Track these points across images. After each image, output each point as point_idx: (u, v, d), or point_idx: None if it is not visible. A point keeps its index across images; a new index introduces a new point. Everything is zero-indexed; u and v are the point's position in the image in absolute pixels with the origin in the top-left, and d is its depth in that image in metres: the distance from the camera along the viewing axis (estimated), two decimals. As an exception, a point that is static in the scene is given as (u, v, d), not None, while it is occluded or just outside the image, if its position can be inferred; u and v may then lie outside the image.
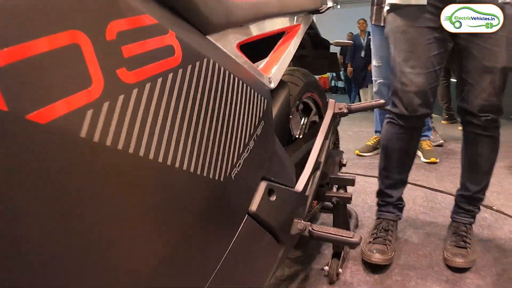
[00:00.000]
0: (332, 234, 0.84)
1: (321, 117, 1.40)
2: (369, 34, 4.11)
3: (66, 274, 0.36)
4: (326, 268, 1.29)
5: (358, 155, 2.91)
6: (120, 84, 0.38)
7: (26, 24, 0.30)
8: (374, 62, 2.67)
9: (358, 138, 3.34)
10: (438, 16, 1.24)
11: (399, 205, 1.51)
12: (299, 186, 0.88)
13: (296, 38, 1.01)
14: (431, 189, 2.15)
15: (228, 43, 0.66)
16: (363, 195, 2.02)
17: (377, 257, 1.32)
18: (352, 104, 1.21)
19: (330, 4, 1.26)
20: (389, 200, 1.50)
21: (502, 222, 1.71)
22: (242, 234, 0.63)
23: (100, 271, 0.40)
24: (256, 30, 0.80)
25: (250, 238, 0.67)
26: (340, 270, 1.30)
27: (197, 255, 0.55)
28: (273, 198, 0.73)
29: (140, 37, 0.41)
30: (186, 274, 0.52)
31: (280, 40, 0.96)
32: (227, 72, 0.58)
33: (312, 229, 0.84)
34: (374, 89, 2.72)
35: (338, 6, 12.01)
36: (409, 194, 2.01)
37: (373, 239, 1.41)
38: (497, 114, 1.31)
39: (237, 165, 0.61)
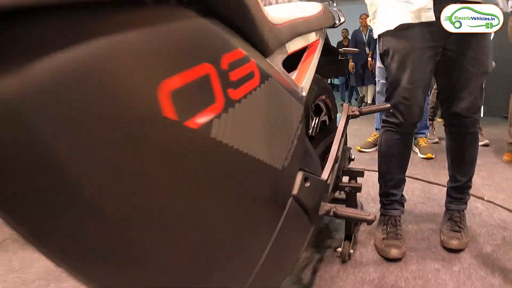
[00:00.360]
0: (352, 213, 1.03)
1: (330, 118, 1.59)
2: (371, 30, 4.24)
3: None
4: (339, 249, 1.47)
5: (359, 151, 3.10)
6: (230, 100, 0.56)
7: (183, 58, 0.48)
8: (378, 64, 2.86)
9: (358, 135, 3.53)
10: (437, 32, 1.33)
11: (402, 201, 1.68)
12: (324, 175, 1.07)
13: (317, 51, 1.19)
14: (427, 182, 2.35)
15: (277, 62, 0.84)
16: (366, 187, 2.20)
17: (394, 253, 1.47)
18: (363, 108, 1.39)
19: (342, 19, 1.44)
20: (393, 199, 1.64)
21: (492, 211, 1.91)
22: (288, 212, 0.82)
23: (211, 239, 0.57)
24: (291, 47, 0.98)
25: (293, 215, 0.85)
26: (351, 251, 1.48)
27: (262, 226, 0.73)
28: (307, 184, 0.91)
29: (238, 65, 0.59)
30: (254, 243, 0.70)
31: (305, 54, 1.14)
32: (280, 86, 0.77)
33: (336, 210, 1.02)
34: (378, 89, 2.91)
35: (334, 4, 12.19)
36: (408, 187, 2.19)
37: (386, 235, 1.55)
38: (478, 113, 1.49)
39: (287, 158, 0.79)
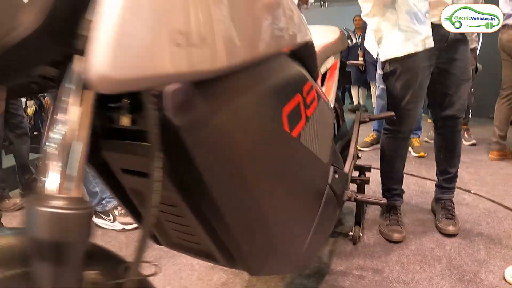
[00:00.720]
0: (369, 198, 1.32)
1: (338, 121, 1.87)
2: (364, 31, 4.44)
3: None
4: (351, 233, 1.75)
5: (358, 149, 3.39)
6: (307, 117, 0.83)
7: (290, 90, 0.75)
8: (379, 70, 3.16)
9: (356, 135, 3.81)
10: (433, 53, 1.56)
11: (401, 193, 1.97)
12: (346, 169, 1.35)
13: (337, 70, 1.48)
14: (421, 178, 2.64)
15: (318, 83, 1.11)
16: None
17: (396, 236, 1.77)
18: (372, 115, 1.68)
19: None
20: (394, 192, 1.92)
21: (477, 202, 2.20)
22: (326, 196, 1.09)
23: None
24: (322, 70, 1.26)
25: (329, 199, 1.13)
26: (361, 234, 1.76)
27: (314, 204, 1.00)
28: (336, 176, 1.19)
29: (309, 92, 0.86)
30: (310, 216, 0.98)
31: (328, 73, 1.42)
32: (324, 103, 1.04)
33: (356, 196, 1.30)
34: (378, 93, 3.22)
35: (326, 5, 12.53)
36: (404, 182, 2.49)
37: (389, 222, 1.84)
38: (463, 114, 1.80)
39: (327, 155, 1.07)
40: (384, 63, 1.69)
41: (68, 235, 0.39)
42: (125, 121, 0.51)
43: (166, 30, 0.36)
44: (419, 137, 3.36)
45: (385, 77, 1.74)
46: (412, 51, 1.54)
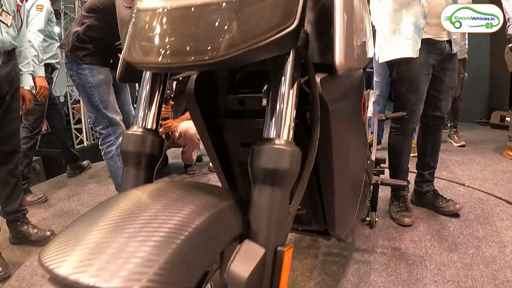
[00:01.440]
0: (392, 181, 1.58)
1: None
2: None
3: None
4: (368, 218, 2.01)
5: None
6: (365, 109, 1.09)
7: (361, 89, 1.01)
8: (375, 78, 3.46)
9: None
10: (433, 63, 1.86)
11: (408, 184, 2.18)
12: (372, 158, 1.61)
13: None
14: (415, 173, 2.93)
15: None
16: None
17: (407, 220, 2.04)
18: (388, 115, 1.95)
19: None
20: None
21: (471, 193, 2.50)
22: (365, 178, 1.34)
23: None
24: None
25: (366, 180, 1.38)
26: (376, 219, 2.02)
27: (360, 185, 1.25)
28: (369, 162, 1.44)
29: (364, 99, 1.12)
30: (357, 196, 1.22)
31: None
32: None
33: (382, 180, 1.56)
34: (373, 99, 3.51)
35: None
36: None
37: (399, 209, 2.11)
38: (446, 115, 2.10)
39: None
40: (391, 70, 1.94)
41: (285, 164, 0.60)
42: (264, 102, 0.74)
43: (361, 41, 0.64)
44: (414, 139, 3.66)
45: (393, 83, 2.00)
46: (413, 56, 1.77)
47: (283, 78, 0.63)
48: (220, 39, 0.53)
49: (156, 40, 0.56)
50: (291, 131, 0.62)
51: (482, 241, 1.83)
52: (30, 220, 2.18)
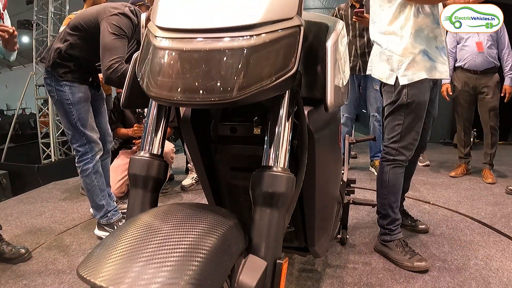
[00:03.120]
0: (364, 201, 1.66)
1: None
2: None
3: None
4: (339, 236, 2.07)
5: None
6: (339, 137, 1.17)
7: None
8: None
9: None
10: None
11: (400, 224, 1.98)
12: (344, 179, 1.69)
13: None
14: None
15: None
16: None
17: (424, 265, 1.77)
18: (357, 137, 2.06)
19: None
20: (398, 223, 1.93)
21: (436, 210, 2.63)
22: (338, 198, 1.42)
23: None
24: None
25: (339, 200, 1.45)
26: (347, 236, 2.10)
27: (336, 203, 1.32)
28: (341, 183, 1.52)
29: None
30: (333, 213, 1.30)
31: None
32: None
33: (354, 199, 1.65)
34: (342, 121, 3.63)
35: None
36: (372, 196, 2.86)
37: (409, 255, 1.82)
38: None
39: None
40: (400, 93, 1.71)
41: (282, 188, 0.68)
42: (256, 130, 0.81)
43: (345, 81, 0.76)
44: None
45: (399, 108, 1.74)
46: (437, 77, 1.68)
47: (280, 113, 0.71)
48: (232, 82, 0.60)
49: (171, 78, 0.62)
50: (287, 159, 0.71)
51: (448, 254, 1.94)
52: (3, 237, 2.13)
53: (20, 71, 14.31)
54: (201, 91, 0.61)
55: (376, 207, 1.96)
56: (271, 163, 0.70)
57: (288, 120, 0.72)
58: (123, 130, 3.23)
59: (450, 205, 2.72)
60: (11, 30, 1.72)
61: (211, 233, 0.58)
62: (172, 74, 0.62)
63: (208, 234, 0.58)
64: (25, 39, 12.99)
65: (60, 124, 6.53)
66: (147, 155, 0.78)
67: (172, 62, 0.62)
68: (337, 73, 0.75)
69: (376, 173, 3.56)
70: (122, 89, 0.87)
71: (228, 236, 0.61)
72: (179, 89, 0.62)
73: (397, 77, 1.69)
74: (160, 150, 0.80)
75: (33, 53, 6.57)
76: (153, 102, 0.81)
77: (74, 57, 2.06)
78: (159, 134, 0.80)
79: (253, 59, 0.61)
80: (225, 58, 0.60)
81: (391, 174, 1.85)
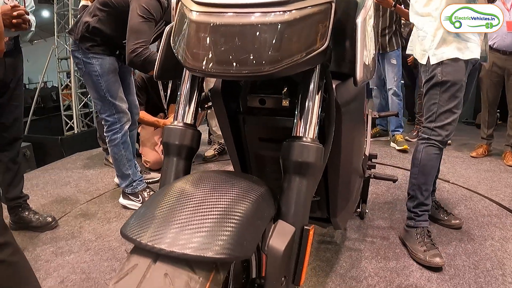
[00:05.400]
0: (384, 175, 1.68)
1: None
2: None
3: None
4: (358, 210, 2.10)
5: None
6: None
7: None
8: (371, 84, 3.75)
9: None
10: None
11: (429, 213, 1.88)
12: (366, 153, 1.71)
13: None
14: (405, 169, 3.05)
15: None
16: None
17: (438, 261, 1.66)
18: (380, 113, 2.06)
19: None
20: (425, 208, 1.83)
21: (455, 190, 2.63)
22: (360, 171, 1.44)
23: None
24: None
25: (360, 174, 1.47)
26: (366, 211, 2.13)
27: (359, 176, 1.35)
28: (363, 157, 1.54)
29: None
30: (356, 185, 1.32)
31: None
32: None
33: (374, 173, 1.66)
34: (374, 93, 3.94)
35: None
36: (392, 172, 2.90)
37: (426, 247, 1.73)
38: None
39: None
40: (433, 71, 1.69)
41: (312, 158, 0.71)
42: (285, 103, 0.84)
43: (372, 57, 0.78)
44: (401, 134, 3.79)
45: (432, 87, 1.72)
46: (470, 57, 1.61)
47: (311, 86, 0.74)
48: (265, 56, 0.62)
49: (206, 50, 0.65)
50: (316, 131, 0.74)
51: (465, 234, 1.96)
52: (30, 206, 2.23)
53: (41, 45, 14.45)
54: (234, 64, 0.63)
55: (396, 182, 1.97)
56: (301, 133, 0.73)
57: (317, 93, 0.75)
58: (149, 118, 3.15)
59: (470, 185, 2.71)
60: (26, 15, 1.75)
61: (245, 198, 0.62)
62: (207, 46, 0.65)
63: (242, 199, 0.61)
64: (45, 13, 13.07)
65: (82, 97, 6.67)
66: (181, 124, 0.81)
67: (207, 36, 0.65)
68: (365, 50, 0.76)
69: (397, 147, 3.58)
70: (146, 73, 0.90)
71: (260, 201, 0.64)
72: (214, 61, 0.65)
73: (428, 57, 1.70)
74: (193, 120, 0.83)
75: (55, 26, 6.64)
76: (187, 73, 0.84)
77: (102, 32, 2.09)
78: (193, 104, 0.83)
79: (286, 34, 0.62)
80: (258, 33, 0.62)
81: (424, 153, 1.80)
